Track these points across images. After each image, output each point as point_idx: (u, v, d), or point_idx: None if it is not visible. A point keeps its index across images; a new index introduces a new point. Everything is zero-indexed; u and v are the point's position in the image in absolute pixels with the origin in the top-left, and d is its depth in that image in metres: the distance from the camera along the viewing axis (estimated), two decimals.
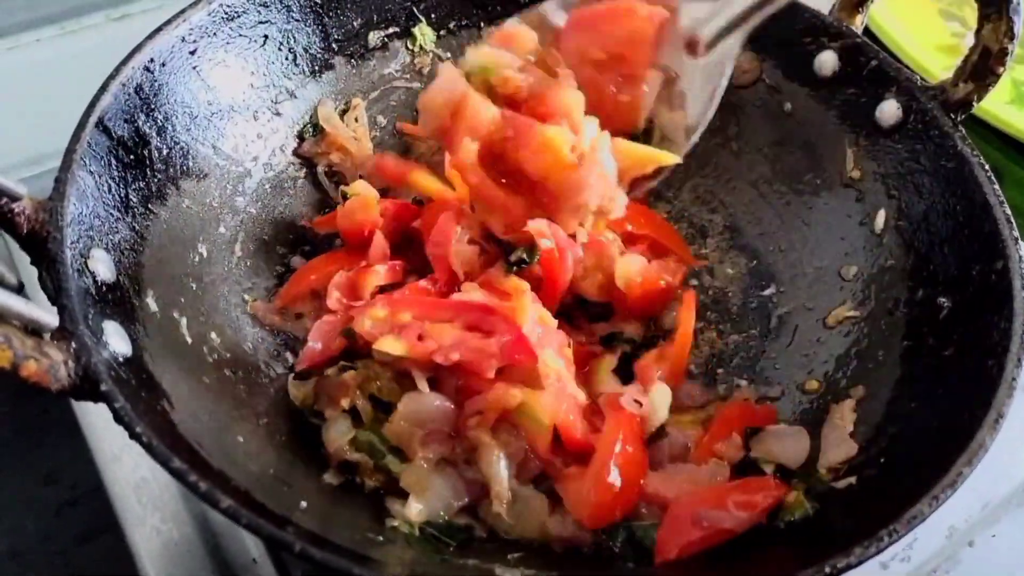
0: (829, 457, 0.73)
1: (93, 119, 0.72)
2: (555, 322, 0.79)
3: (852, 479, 0.70)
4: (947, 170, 0.80)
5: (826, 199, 0.91)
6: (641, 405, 0.77)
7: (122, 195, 0.74)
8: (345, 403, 0.75)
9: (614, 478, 0.71)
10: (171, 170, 0.81)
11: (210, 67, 0.86)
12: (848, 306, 0.85)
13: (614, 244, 0.88)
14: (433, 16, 1.02)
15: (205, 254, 0.82)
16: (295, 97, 0.95)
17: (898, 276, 0.82)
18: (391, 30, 1.00)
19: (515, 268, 0.80)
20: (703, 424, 0.80)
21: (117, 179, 0.74)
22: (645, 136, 0.82)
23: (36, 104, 1.07)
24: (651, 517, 0.72)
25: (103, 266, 0.68)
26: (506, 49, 0.77)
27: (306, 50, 0.95)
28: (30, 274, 0.67)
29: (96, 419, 0.85)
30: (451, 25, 1.03)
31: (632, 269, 0.86)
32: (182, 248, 0.80)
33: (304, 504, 0.65)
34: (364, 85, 1.00)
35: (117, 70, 0.77)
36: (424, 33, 1.01)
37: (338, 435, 0.75)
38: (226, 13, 0.87)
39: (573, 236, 0.84)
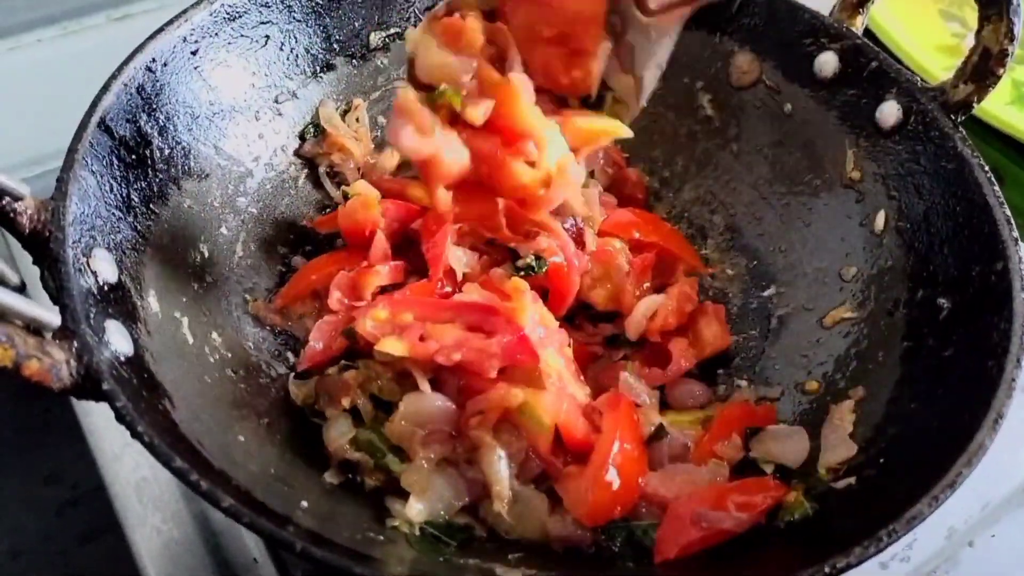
0: (829, 457, 0.73)
1: (95, 119, 0.73)
2: (556, 323, 0.79)
3: (852, 479, 0.70)
4: (947, 171, 0.81)
5: (826, 200, 0.91)
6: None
7: (124, 195, 0.74)
8: (346, 402, 0.76)
9: (612, 476, 0.71)
10: (173, 170, 0.81)
11: (212, 67, 0.86)
12: (848, 307, 0.85)
13: (622, 253, 0.88)
14: None
15: (207, 254, 0.83)
16: (296, 97, 0.95)
17: (898, 277, 0.82)
18: (392, 31, 1.00)
19: (522, 274, 0.80)
20: (703, 424, 0.80)
21: (119, 179, 0.74)
22: (598, 101, 0.79)
23: (38, 104, 1.07)
24: (651, 517, 0.72)
25: (105, 266, 0.68)
26: (454, 49, 0.72)
27: (307, 50, 0.95)
28: (32, 274, 0.67)
29: (97, 419, 0.85)
30: None
31: (653, 313, 0.86)
32: (184, 248, 0.80)
33: (305, 503, 0.65)
34: (365, 85, 1.00)
35: (119, 70, 0.77)
36: None
37: (338, 434, 0.75)
38: (228, 13, 0.87)
39: (581, 245, 0.85)
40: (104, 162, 0.73)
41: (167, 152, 0.80)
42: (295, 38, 0.94)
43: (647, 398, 0.80)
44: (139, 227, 0.75)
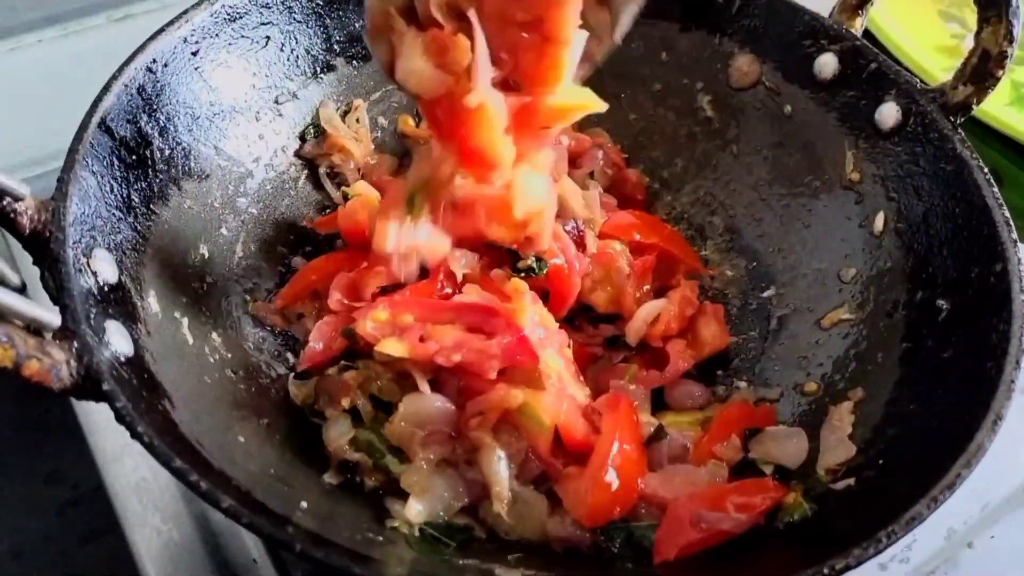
0: (828, 459, 0.73)
1: (96, 119, 0.73)
2: (555, 324, 0.79)
3: (851, 480, 0.70)
4: (946, 173, 0.81)
5: (825, 201, 0.91)
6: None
7: (124, 195, 0.74)
8: (345, 403, 0.76)
9: (612, 477, 0.71)
10: (173, 170, 0.81)
11: (212, 68, 0.86)
12: (847, 308, 0.85)
13: (622, 255, 0.88)
14: None
15: (207, 254, 0.83)
16: (297, 98, 0.95)
17: (897, 278, 0.82)
18: None
19: (522, 276, 0.80)
20: (702, 425, 0.80)
21: (119, 179, 0.74)
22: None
23: (39, 104, 1.07)
24: (650, 518, 0.72)
25: (105, 266, 0.68)
26: (437, 62, 0.70)
27: (308, 51, 0.95)
28: (32, 274, 0.67)
29: (97, 419, 0.85)
30: None
31: (654, 318, 0.87)
32: (184, 248, 0.80)
33: (304, 504, 0.65)
34: (366, 86, 1.00)
35: (119, 71, 0.77)
36: None
37: (338, 435, 0.75)
38: (228, 14, 0.87)
39: (582, 247, 0.85)
40: (104, 162, 0.73)
41: (167, 153, 0.81)
42: (295, 39, 0.94)
43: (640, 402, 0.80)
44: (139, 227, 0.75)
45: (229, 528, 0.80)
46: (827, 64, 0.91)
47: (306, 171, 0.96)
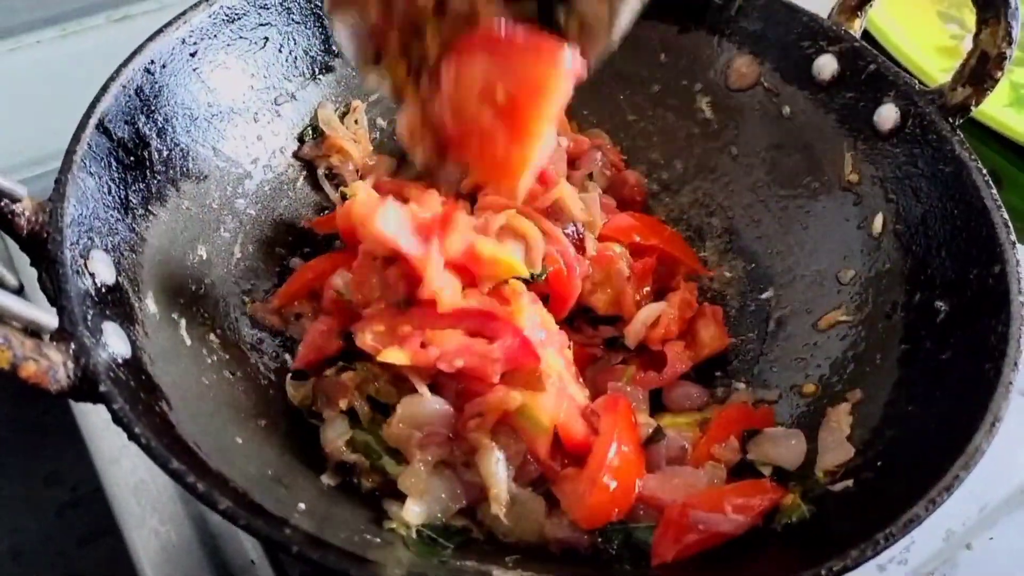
0: (826, 460, 0.73)
1: (93, 120, 0.73)
2: (555, 325, 0.79)
3: (849, 482, 0.70)
4: (945, 174, 0.81)
5: (824, 202, 0.91)
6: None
7: (122, 196, 0.74)
8: (343, 404, 0.76)
9: (609, 479, 0.71)
10: (171, 172, 0.81)
11: (210, 69, 0.86)
12: (845, 309, 0.85)
13: (622, 258, 0.88)
14: None
15: (205, 256, 0.83)
16: (295, 99, 0.95)
17: (895, 280, 0.82)
18: None
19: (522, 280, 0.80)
20: (700, 427, 0.80)
21: (117, 180, 0.74)
22: (557, 24, 0.68)
23: (37, 105, 1.07)
24: (648, 519, 0.72)
25: (103, 267, 0.68)
26: (417, 204, 0.71)
27: (306, 52, 0.95)
28: (30, 275, 0.68)
29: (95, 421, 0.85)
30: None
31: (654, 320, 0.86)
32: (182, 249, 0.80)
33: (302, 505, 0.65)
34: (364, 88, 1.00)
35: (117, 72, 0.77)
36: None
37: (336, 436, 0.75)
38: (227, 15, 0.87)
39: (582, 250, 0.85)
40: (102, 164, 0.73)
41: (165, 154, 0.81)
42: (294, 40, 0.94)
43: (637, 404, 0.80)
44: (137, 228, 0.75)
45: (227, 529, 0.80)
46: (826, 65, 0.91)
47: (304, 172, 0.96)
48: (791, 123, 0.95)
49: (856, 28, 0.92)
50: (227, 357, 0.78)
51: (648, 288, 0.90)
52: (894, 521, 0.59)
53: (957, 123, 0.83)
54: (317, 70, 0.96)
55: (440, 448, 0.73)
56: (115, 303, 0.67)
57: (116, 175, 0.74)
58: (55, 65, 1.22)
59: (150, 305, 0.72)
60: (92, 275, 0.66)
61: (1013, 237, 0.74)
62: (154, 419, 0.61)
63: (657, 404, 0.84)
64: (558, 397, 0.74)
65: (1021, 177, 1.22)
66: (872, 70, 0.88)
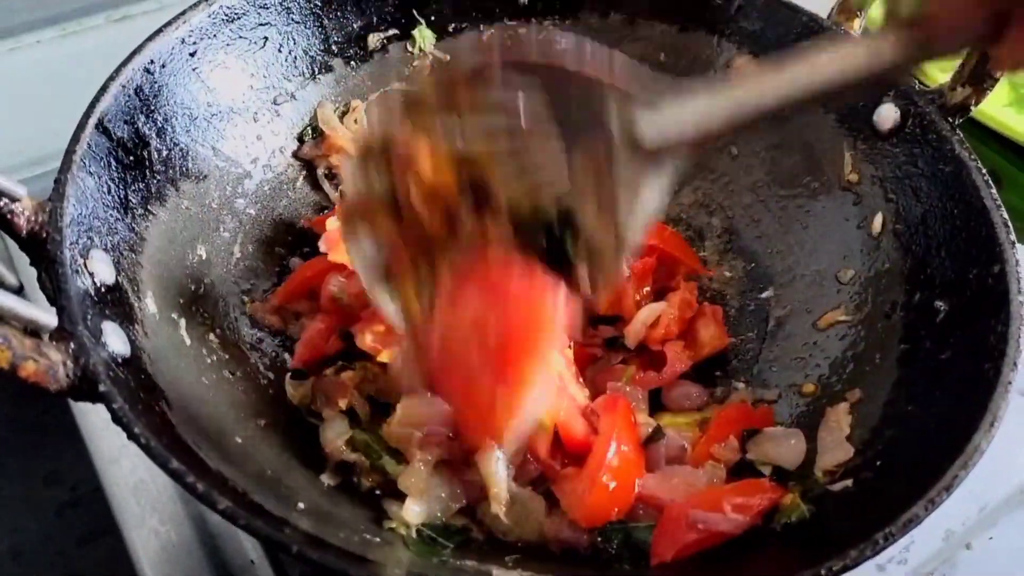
0: (825, 460, 0.73)
1: (93, 120, 0.73)
2: None
3: (848, 482, 0.70)
4: (945, 174, 0.81)
5: (824, 202, 0.91)
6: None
7: (122, 196, 0.74)
8: (343, 403, 0.76)
9: (609, 478, 0.71)
10: (171, 171, 0.81)
11: (210, 69, 0.86)
12: (845, 309, 0.85)
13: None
14: (433, 18, 1.02)
15: (204, 255, 0.83)
16: (295, 99, 0.95)
17: (895, 279, 0.82)
18: (390, 32, 1.00)
19: None
20: (700, 426, 0.80)
21: (117, 180, 0.74)
22: (569, 242, 0.64)
23: (36, 105, 1.07)
24: (648, 519, 0.72)
25: (102, 267, 0.68)
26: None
27: (306, 52, 0.95)
28: (29, 275, 0.68)
29: (95, 420, 0.85)
30: (451, 27, 1.03)
31: (654, 320, 0.86)
32: (181, 249, 0.80)
33: (302, 505, 0.65)
34: (363, 87, 1.00)
35: (117, 71, 0.77)
36: (424, 35, 1.02)
37: (335, 435, 0.75)
38: (226, 15, 0.87)
39: None
40: (102, 163, 0.73)
41: (165, 153, 0.81)
42: (293, 40, 0.94)
43: (637, 404, 0.80)
44: (137, 228, 0.75)
45: (227, 529, 0.80)
46: None
47: (304, 172, 0.96)
48: (791, 123, 0.95)
49: (855, 28, 0.92)
50: (227, 357, 0.78)
51: (648, 288, 0.90)
52: (893, 521, 0.59)
53: (957, 123, 0.83)
54: (317, 70, 0.96)
55: (440, 448, 0.73)
56: (115, 303, 0.67)
57: (116, 175, 0.74)
58: (55, 65, 1.21)
59: (150, 305, 0.72)
60: (92, 275, 0.66)
61: (1013, 237, 0.74)
62: (154, 419, 0.61)
63: (657, 404, 0.84)
64: (559, 397, 0.74)
65: (1021, 177, 1.22)
66: None
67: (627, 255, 0.65)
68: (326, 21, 0.95)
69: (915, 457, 0.67)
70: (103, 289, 0.67)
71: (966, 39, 0.51)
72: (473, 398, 0.65)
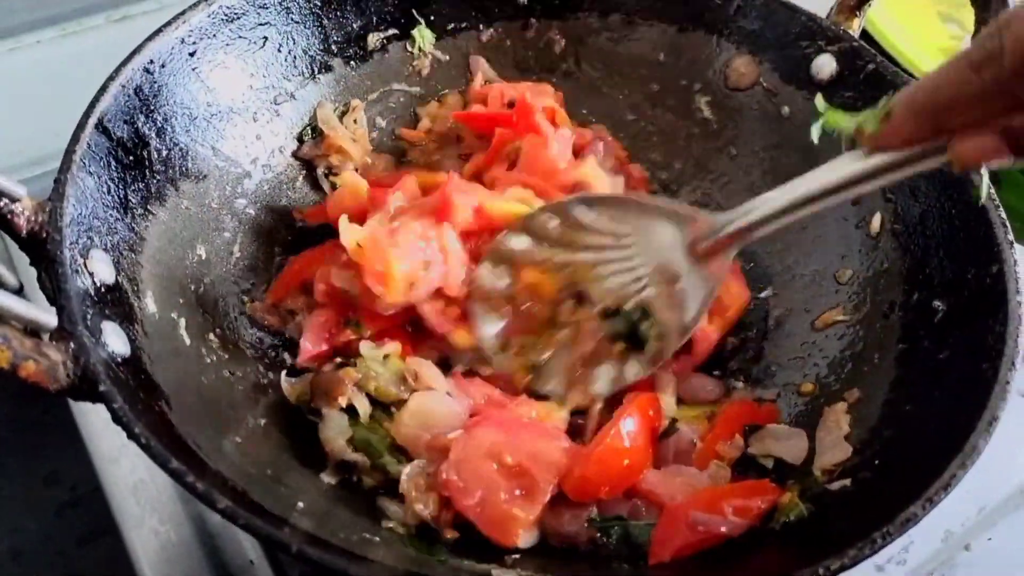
0: (824, 459, 0.73)
1: (93, 120, 0.73)
2: None
3: (847, 481, 0.70)
4: (943, 174, 0.80)
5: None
6: None
7: (121, 196, 0.74)
8: (342, 400, 0.75)
9: (607, 455, 0.71)
10: (170, 171, 0.81)
11: (210, 69, 0.86)
12: (843, 309, 0.85)
13: None
14: (432, 18, 1.02)
15: (204, 255, 0.83)
16: (294, 99, 0.95)
17: (893, 279, 0.82)
18: (390, 32, 1.00)
19: None
20: (708, 418, 0.81)
21: (116, 180, 0.74)
22: (639, 334, 0.79)
23: (36, 105, 1.07)
24: (649, 517, 0.72)
25: (102, 267, 0.68)
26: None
27: (305, 52, 0.95)
28: (29, 275, 0.68)
29: (95, 420, 0.85)
30: (450, 27, 1.03)
31: None
32: (181, 249, 0.80)
33: (301, 504, 0.65)
34: (363, 87, 1.00)
35: (117, 71, 0.77)
36: (423, 35, 1.02)
37: (335, 433, 0.74)
38: (226, 15, 0.87)
39: None
40: (102, 163, 0.73)
41: (165, 153, 0.81)
42: (293, 39, 0.94)
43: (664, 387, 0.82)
44: (136, 228, 0.75)
45: (226, 529, 0.80)
46: (825, 65, 0.91)
47: (304, 172, 0.96)
48: (790, 123, 0.95)
49: (855, 28, 0.92)
50: (226, 356, 0.78)
51: None
52: (892, 520, 0.59)
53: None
54: (316, 69, 0.97)
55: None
56: (114, 302, 0.67)
57: (115, 175, 0.74)
58: (55, 65, 1.21)
59: (149, 304, 0.72)
60: (91, 274, 0.66)
61: (1011, 237, 0.74)
62: (153, 418, 0.61)
63: None
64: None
65: (1019, 177, 1.22)
66: (871, 70, 0.88)
67: (688, 336, 0.79)
68: (326, 21, 0.96)
69: (913, 457, 0.68)
70: (103, 289, 0.67)
71: (917, 155, 0.62)
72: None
